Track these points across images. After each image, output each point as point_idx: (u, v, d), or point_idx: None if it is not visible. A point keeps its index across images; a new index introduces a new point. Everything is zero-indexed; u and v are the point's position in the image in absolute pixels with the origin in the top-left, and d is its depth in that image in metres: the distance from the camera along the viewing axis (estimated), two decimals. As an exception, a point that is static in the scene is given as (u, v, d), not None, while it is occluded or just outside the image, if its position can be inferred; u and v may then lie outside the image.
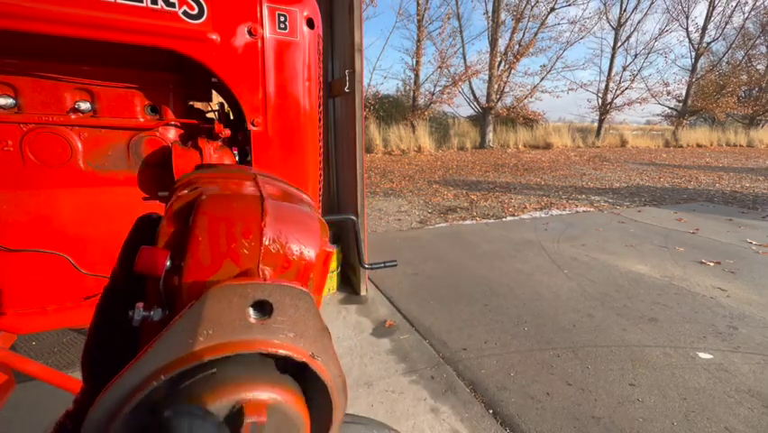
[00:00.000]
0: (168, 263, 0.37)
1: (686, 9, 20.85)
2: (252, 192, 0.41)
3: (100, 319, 0.41)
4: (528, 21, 17.01)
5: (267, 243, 0.37)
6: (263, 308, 0.34)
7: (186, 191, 0.42)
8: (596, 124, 20.60)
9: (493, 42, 16.84)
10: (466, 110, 26.61)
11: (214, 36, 1.21)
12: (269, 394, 0.32)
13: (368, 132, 14.25)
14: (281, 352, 0.34)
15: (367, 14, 15.87)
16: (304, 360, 0.35)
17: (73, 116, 1.24)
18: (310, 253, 0.40)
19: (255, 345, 0.33)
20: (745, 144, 20.05)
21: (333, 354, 0.38)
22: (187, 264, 0.36)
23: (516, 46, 17.20)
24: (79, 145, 1.27)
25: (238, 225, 0.37)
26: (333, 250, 0.48)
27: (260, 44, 1.28)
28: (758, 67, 21.24)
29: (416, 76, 17.15)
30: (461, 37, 16.92)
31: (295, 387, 0.36)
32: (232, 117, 1.53)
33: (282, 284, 0.35)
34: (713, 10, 20.22)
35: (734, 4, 19.97)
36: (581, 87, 19.71)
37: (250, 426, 0.29)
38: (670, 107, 22.14)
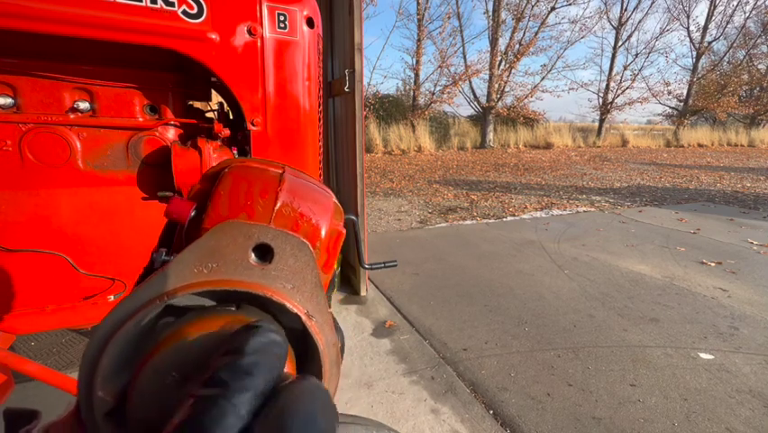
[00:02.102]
0: (192, 213, 0.41)
1: (687, 8, 20.84)
2: (276, 168, 0.45)
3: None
4: (529, 20, 17.01)
5: (279, 205, 0.40)
6: (265, 254, 0.36)
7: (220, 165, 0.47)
8: (597, 124, 20.58)
9: (493, 42, 16.82)
10: (466, 110, 26.67)
11: (214, 35, 1.20)
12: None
13: (368, 131, 14.24)
14: (277, 299, 0.34)
15: (367, 14, 15.88)
16: (300, 315, 0.35)
17: (72, 116, 1.23)
18: (319, 224, 0.43)
19: (254, 287, 0.34)
20: (746, 144, 20.03)
21: (328, 317, 0.39)
22: (208, 213, 0.39)
23: (517, 45, 17.19)
24: (78, 145, 1.26)
25: (257, 186, 0.40)
26: (344, 232, 0.50)
27: (259, 44, 1.28)
28: (759, 66, 21.19)
29: (416, 75, 17.14)
30: (462, 36, 16.93)
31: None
32: (231, 117, 1.53)
33: (286, 231, 0.37)
34: (714, 9, 20.20)
35: (735, 3, 19.95)
36: (582, 86, 19.72)
37: None
38: (671, 107, 22.13)
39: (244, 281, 0.34)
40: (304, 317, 0.35)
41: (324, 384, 0.32)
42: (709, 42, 20.95)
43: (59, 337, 2.40)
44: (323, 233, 0.43)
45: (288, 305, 0.35)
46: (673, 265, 3.82)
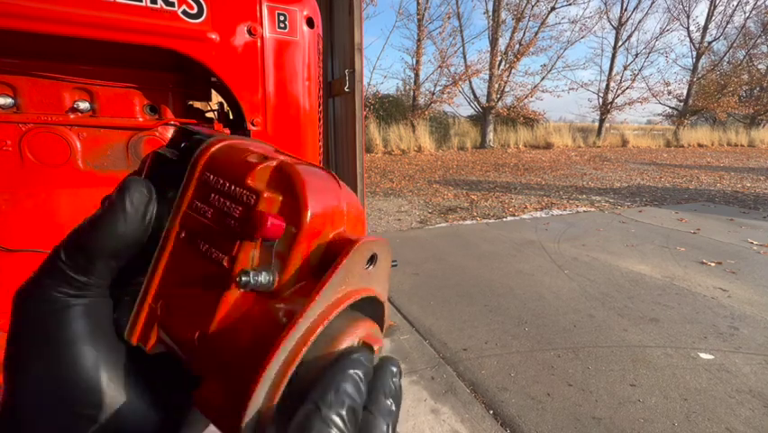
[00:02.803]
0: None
1: (687, 8, 20.84)
2: (318, 166, 0.48)
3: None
4: (529, 20, 17.01)
5: (346, 208, 0.42)
6: (371, 259, 0.40)
7: (254, 159, 0.47)
8: (597, 124, 20.58)
9: (493, 42, 16.82)
10: (466, 110, 26.65)
11: (214, 35, 1.20)
12: (370, 329, 0.39)
13: (368, 131, 14.24)
14: (381, 299, 0.41)
15: (367, 14, 15.88)
16: (384, 304, 0.41)
17: (72, 116, 1.23)
18: (360, 215, 0.47)
19: (369, 291, 0.40)
20: (746, 144, 20.02)
21: (387, 288, 0.45)
22: (303, 229, 0.41)
23: (517, 45, 17.19)
24: (78, 145, 1.26)
25: (331, 193, 0.42)
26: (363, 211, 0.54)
27: (259, 44, 1.28)
28: (759, 66, 21.19)
29: (417, 75, 17.14)
30: (462, 36, 16.93)
31: None
32: (231, 117, 1.53)
33: (381, 240, 0.41)
34: (714, 9, 20.20)
35: (735, 3, 19.95)
36: (582, 86, 19.72)
37: (378, 350, 0.35)
38: (671, 107, 22.13)
39: (366, 288, 0.39)
40: (385, 304, 0.42)
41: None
42: (709, 42, 20.95)
43: (59, 337, 2.40)
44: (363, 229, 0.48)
45: (381, 298, 0.41)
46: (673, 265, 3.83)
